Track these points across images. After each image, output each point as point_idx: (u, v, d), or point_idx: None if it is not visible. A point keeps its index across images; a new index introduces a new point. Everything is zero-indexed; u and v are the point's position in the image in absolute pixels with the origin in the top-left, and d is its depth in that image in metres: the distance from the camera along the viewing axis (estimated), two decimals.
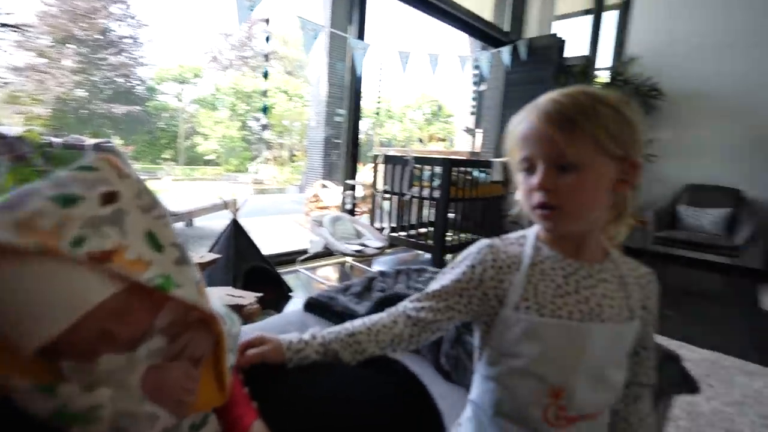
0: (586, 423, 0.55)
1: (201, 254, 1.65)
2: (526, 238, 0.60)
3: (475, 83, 4.35)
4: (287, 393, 0.52)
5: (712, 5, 3.82)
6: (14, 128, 1.93)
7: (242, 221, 2.31)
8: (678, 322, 2.45)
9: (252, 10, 1.93)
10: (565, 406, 0.53)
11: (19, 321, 0.34)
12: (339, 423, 0.49)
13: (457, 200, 3.26)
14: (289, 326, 1.10)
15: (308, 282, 2.75)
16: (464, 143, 5.66)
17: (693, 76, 3.91)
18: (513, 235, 0.62)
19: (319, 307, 1.22)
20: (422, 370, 0.98)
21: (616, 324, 0.55)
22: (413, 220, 3.52)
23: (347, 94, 3.27)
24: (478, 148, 5.03)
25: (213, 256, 1.65)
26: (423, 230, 3.54)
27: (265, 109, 2.35)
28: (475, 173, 3.42)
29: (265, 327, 1.07)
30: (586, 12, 5.59)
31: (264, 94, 2.38)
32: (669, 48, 4.03)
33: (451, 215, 3.31)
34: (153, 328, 0.42)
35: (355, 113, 3.27)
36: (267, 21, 2.21)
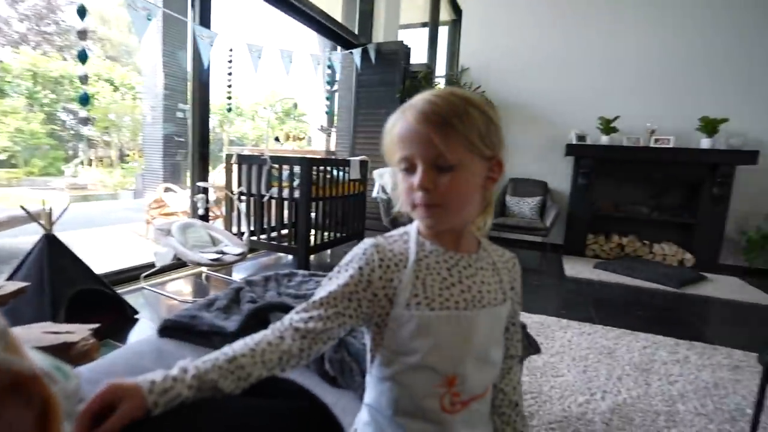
0: (477, 402, 0.59)
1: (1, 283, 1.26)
2: (409, 235, 0.62)
3: (328, 83, 4.38)
4: None
5: (524, 31, 4.61)
6: None
7: (61, 236, 1.87)
8: None
9: None
10: (458, 392, 0.56)
11: None
12: None
13: (318, 199, 3.24)
14: (143, 359, 0.93)
15: (157, 300, 2.40)
16: (320, 142, 5.67)
17: (511, 87, 4.67)
18: (395, 233, 0.63)
19: (180, 330, 1.06)
20: (306, 380, 0.94)
21: (494, 307, 0.60)
22: (273, 222, 3.38)
23: (192, 87, 2.94)
24: (333, 147, 5.09)
25: (18, 284, 1.28)
26: (284, 232, 3.43)
27: (84, 100, 1.93)
28: (334, 172, 3.46)
29: (111, 366, 0.88)
30: (424, 24, 6.18)
31: (83, 80, 1.96)
32: (492, 63, 4.73)
33: (312, 215, 3.28)
34: None
35: (202, 109, 2.96)
36: None
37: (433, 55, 6.11)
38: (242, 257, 2.64)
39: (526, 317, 2.42)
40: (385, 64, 4.39)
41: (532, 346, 1.24)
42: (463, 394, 0.57)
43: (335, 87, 4.80)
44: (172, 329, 1.06)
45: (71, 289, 1.73)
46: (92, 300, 1.88)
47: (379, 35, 4.71)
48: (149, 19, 1.90)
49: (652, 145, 4.07)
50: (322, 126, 4.82)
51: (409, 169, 0.56)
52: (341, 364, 0.91)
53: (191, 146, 3.03)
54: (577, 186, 4.31)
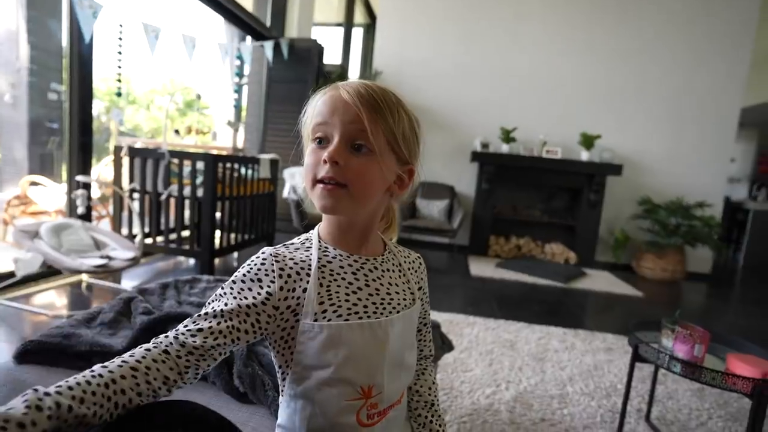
0: (393, 410, 0.57)
1: None
2: (311, 241, 0.58)
3: (236, 75, 4.12)
4: None
5: (435, 41, 4.82)
6: None
7: None
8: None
9: None
10: (376, 403, 0.54)
11: None
12: None
13: (224, 198, 3.02)
14: None
15: (18, 317, 2.01)
16: (226, 138, 5.31)
17: (422, 94, 4.85)
18: (296, 240, 0.59)
19: (47, 352, 0.88)
20: (210, 399, 0.84)
21: (405, 310, 0.59)
22: (172, 223, 3.06)
23: (69, 64, 2.53)
24: (241, 143, 4.81)
25: None
26: (185, 233, 3.12)
27: None
28: (242, 170, 3.25)
29: None
30: (339, 24, 6.15)
31: None
32: (404, 68, 4.86)
33: (218, 215, 3.04)
34: None
35: (82, 91, 2.57)
36: None
37: (347, 56, 6.11)
38: (134, 262, 2.34)
39: (437, 315, 2.51)
40: (298, 61, 4.27)
41: (446, 345, 1.28)
42: (381, 404, 0.55)
43: (244, 80, 4.53)
44: (35, 353, 0.87)
45: None
46: None
47: (292, 31, 4.56)
48: None
49: (543, 155, 4.53)
50: (229, 120, 4.51)
51: (321, 142, 0.53)
52: (252, 378, 0.83)
53: (68, 134, 2.61)
54: (481, 190, 4.63)
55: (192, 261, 3.28)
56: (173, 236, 3.03)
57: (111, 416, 0.41)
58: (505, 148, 4.56)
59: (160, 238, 3.02)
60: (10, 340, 1.75)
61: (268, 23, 4.39)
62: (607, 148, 4.55)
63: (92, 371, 0.42)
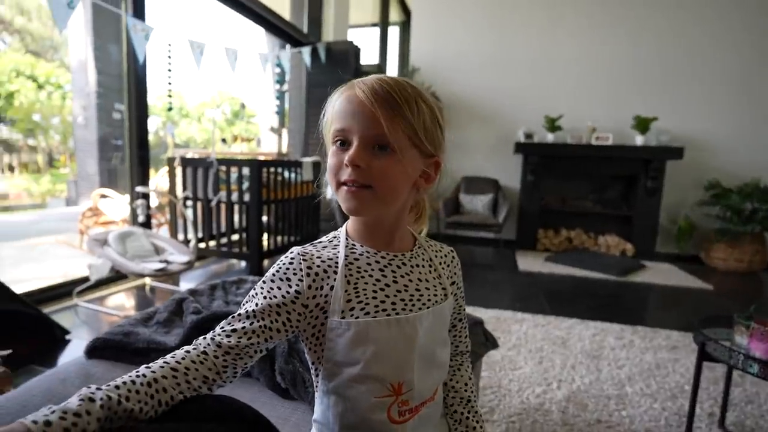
0: (426, 407, 0.56)
1: None
2: (338, 239, 0.58)
3: (277, 82, 4.25)
4: None
5: (472, 32, 4.71)
6: None
7: None
8: (469, 291, 2.95)
9: None
10: (407, 400, 0.53)
11: None
12: None
13: (270, 202, 3.13)
14: (66, 386, 0.83)
15: (94, 317, 2.20)
16: (270, 144, 5.51)
17: (461, 87, 4.76)
18: (325, 238, 0.60)
19: (112, 349, 0.96)
20: (255, 395, 0.87)
21: (436, 306, 0.57)
22: (223, 228, 3.22)
23: (128, 85, 2.73)
24: (284, 148, 4.96)
25: None
26: (235, 237, 3.27)
27: None
28: (286, 174, 3.35)
29: (27, 397, 0.77)
30: (374, 25, 6.18)
31: None
32: (442, 63, 4.80)
33: (264, 218, 3.16)
34: None
35: (140, 109, 2.76)
36: None
37: (384, 55, 6.13)
38: (189, 266, 2.48)
39: (482, 312, 2.46)
40: (336, 64, 4.33)
41: (490, 342, 1.24)
42: (412, 401, 0.54)
43: (285, 86, 4.67)
44: (102, 349, 0.96)
45: None
46: (10, 323, 1.68)
47: (328, 35, 4.64)
48: (71, 8, 1.72)
49: (593, 142, 4.29)
50: (272, 127, 4.67)
51: (343, 144, 0.52)
52: (293, 375, 0.85)
53: (128, 149, 2.82)
54: (527, 182, 4.47)
55: (243, 263, 3.44)
56: (224, 240, 3.18)
57: (156, 412, 0.44)
58: (550, 137, 4.37)
59: (212, 243, 3.18)
60: (88, 338, 1.91)
61: (305, 29, 4.50)
62: (665, 130, 4.22)
63: (137, 372, 0.45)
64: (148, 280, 2.74)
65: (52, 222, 5.57)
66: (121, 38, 2.77)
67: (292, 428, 0.78)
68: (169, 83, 2.67)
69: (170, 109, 2.71)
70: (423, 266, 0.59)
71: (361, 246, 0.57)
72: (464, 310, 0.69)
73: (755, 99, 4.13)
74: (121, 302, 2.46)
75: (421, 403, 0.55)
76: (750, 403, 1.60)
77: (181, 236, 3.13)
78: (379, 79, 0.53)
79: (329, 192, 0.63)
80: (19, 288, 1.87)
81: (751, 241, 3.85)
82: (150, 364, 0.47)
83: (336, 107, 0.54)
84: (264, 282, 0.54)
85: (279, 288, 0.53)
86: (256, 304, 0.52)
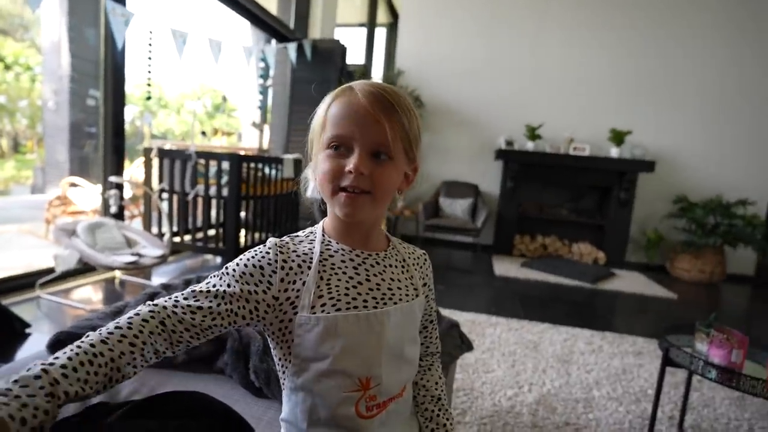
0: (394, 403, 0.57)
1: None
2: (315, 234, 0.59)
3: (261, 77, 4.20)
4: None
5: (457, 38, 4.77)
6: None
7: None
8: (446, 294, 2.98)
9: None
10: (374, 395, 0.54)
11: None
12: None
13: (249, 198, 3.08)
14: None
15: (58, 310, 2.11)
16: (251, 139, 5.43)
17: (445, 92, 4.81)
18: (302, 233, 0.60)
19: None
20: (227, 392, 0.86)
21: (405, 303, 0.58)
22: (199, 222, 3.15)
23: (104, 71, 2.65)
24: (266, 144, 4.89)
25: None
26: (211, 232, 3.21)
27: None
28: (266, 170, 3.31)
29: None
30: (362, 25, 6.17)
31: None
32: (427, 67, 4.83)
33: (242, 214, 3.11)
34: None
35: (116, 96, 2.68)
36: None
37: (370, 56, 6.13)
38: (163, 260, 2.42)
39: (458, 315, 2.48)
40: (321, 62, 4.31)
41: (465, 344, 1.26)
42: (380, 397, 0.55)
43: (269, 82, 4.61)
44: (66, 342, 0.91)
45: None
46: None
47: (315, 32, 4.61)
48: None
49: (570, 152, 4.41)
50: (254, 122, 4.61)
51: (340, 150, 0.53)
52: (267, 373, 0.84)
53: (103, 137, 2.73)
54: (506, 189, 4.55)
55: (219, 259, 3.37)
56: (200, 235, 3.11)
57: (100, 392, 0.42)
58: (530, 145, 4.46)
59: (187, 237, 3.11)
60: (50, 332, 1.84)
61: (291, 25, 4.46)
62: (638, 144, 4.38)
63: (93, 347, 0.42)
64: (118, 273, 2.66)
65: (16, 210, 5.32)
66: (99, 22, 2.68)
67: (266, 427, 0.77)
68: (149, 72, 2.60)
69: (149, 98, 2.64)
70: (395, 266, 0.61)
71: (337, 243, 0.57)
72: (435, 312, 0.71)
73: (725, 118, 4.33)
74: (88, 295, 2.37)
75: (389, 399, 0.56)
76: (707, 406, 1.68)
77: (155, 229, 3.05)
78: (377, 86, 0.54)
79: (309, 190, 0.63)
80: None
81: (713, 253, 4.03)
82: (106, 337, 0.43)
83: (334, 111, 0.53)
84: (237, 265, 0.53)
85: (252, 275, 0.52)
86: (229, 285, 0.51)
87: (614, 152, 4.30)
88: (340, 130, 0.52)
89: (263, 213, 3.29)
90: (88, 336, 0.43)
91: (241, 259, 0.54)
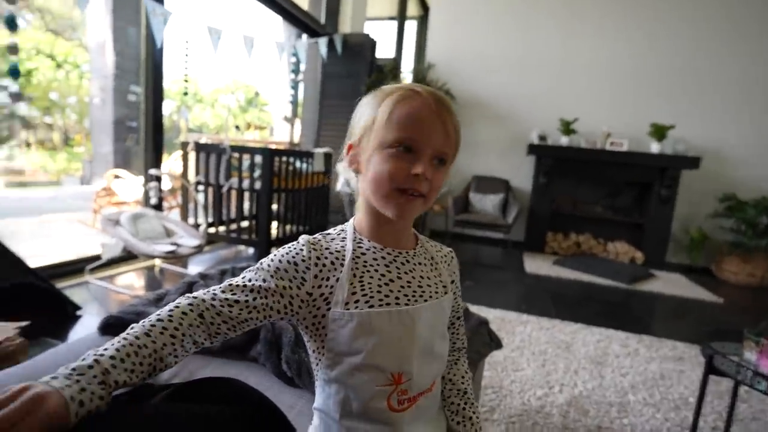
0: (424, 398, 0.58)
1: None
2: (346, 232, 0.60)
3: (292, 71, 4.26)
4: None
5: (489, 31, 4.67)
6: None
7: None
8: (475, 290, 2.95)
9: None
10: (406, 389, 0.55)
11: None
12: None
13: (280, 191, 3.14)
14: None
15: (104, 295, 2.23)
16: (283, 133, 5.52)
17: (476, 85, 4.72)
18: (333, 231, 0.62)
19: (123, 327, 0.97)
20: (260, 380, 0.88)
21: (435, 300, 0.59)
22: (233, 214, 3.25)
23: (145, 68, 2.75)
24: (297, 138, 4.97)
25: None
26: (245, 224, 3.30)
27: (14, 72, 1.74)
28: (298, 163, 3.36)
29: (41, 369, 0.79)
30: (392, 18, 6.14)
31: (13, 51, 1.77)
32: (458, 60, 4.76)
33: (274, 207, 3.18)
34: None
35: (155, 92, 2.78)
36: None
37: (400, 49, 6.09)
38: (199, 249, 2.51)
39: (487, 312, 2.45)
40: (352, 56, 4.32)
41: (494, 342, 1.24)
42: (411, 391, 0.56)
43: (300, 76, 4.67)
44: (115, 326, 0.97)
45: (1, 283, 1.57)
46: (26, 296, 1.71)
47: (345, 26, 4.62)
48: None
49: (607, 147, 4.24)
50: (285, 116, 4.69)
51: (406, 152, 0.53)
52: (299, 364, 0.86)
53: (144, 131, 2.85)
54: (538, 184, 4.43)
55: (251, 250, 3.46)
56: (234, 226, 3.21)
57: (146, 379, 0.46)
58: (564, 140, 4.32)
59: (222, 228, 3.21)
60: (99, 314, 1.95)
61: (322, 20, 4.49)
62: (681, 139, 4.16)
63: (138, 339, 0.45)
64: (157, 262, 2.78)
65: (67, 200, 5.65)
66: (140, 21, 2.79)
67: (297, 415, 0.79)
68: (186, 68, 2.69)
69: (186, 93, 2.73)
70: (424, 264, 0.62)
71: (369, 241, 0.59)
72: (461, 309, 0.71)
73: None
74: (131, 282, 2.50)
75: (420, 393, 0.57)
76: (755, 420, 1.59)
77: (191, 220, 3.17)
78: (437, 92, 0.56)
79: (339, 184, 0.65)
80: (33, 263, 1.90)
81: (765, 256, 3.79)
82: (149, 329, 0.46)
83: (402, 112, 0.53)
84: (272, 261, 0.55)
85: (286, 271, 0.54)
86: (264, 280, 0.53)
87: (655, 148, 4.10)
88: (411, 133, 0.53)
89: (294, 206, 3.35)
90: (132, 328, 0.47)
91: (275, 255, 0.56)
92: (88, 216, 3.86)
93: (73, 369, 0.41)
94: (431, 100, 0.54)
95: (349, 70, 4.35)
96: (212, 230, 3.15)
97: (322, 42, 3.95)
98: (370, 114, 0.56)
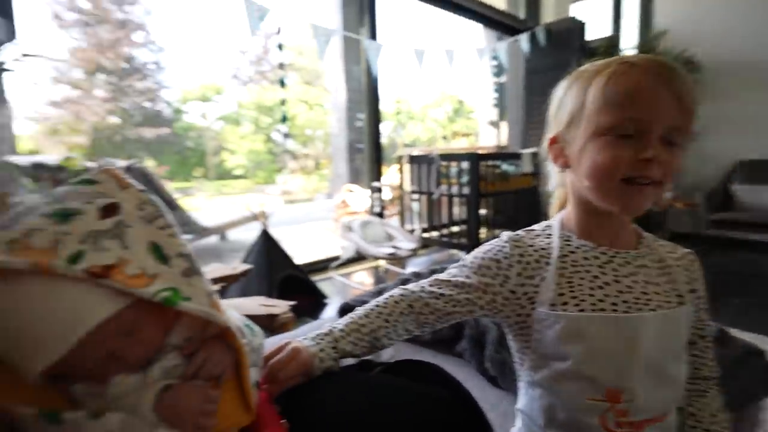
0: (653, 427, 0.49)
1: (233, 265, 1.66)
2: (552, 228, 0.55)
3: (495, 74, 4.23)
4: (317, 410, 0.47)
5: None
6: (54, 156, 2.03)
7: (273, 231, 2.32)
8: (745, 311, 2.26)
9: (262, 20, 1.94)
10: (626, 410, 0.47)
11: (18, 345, 0.33)
12: None
13: (488, 195, 3.16)
14: None
15: (343, 288, 2.73)
16: (489, 137, 5.53)
17: (731, 46, 3.65)
18: (538, 227, 0.58)
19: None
20: (465, 375, 0.92)
21: (667, 311, 0.49)
22: (444, 219, 3.45)
23: (365, 97, 3.25)
24: (504, 141, 4.88)
25: (245, 266, 1.65)
26: (455, 229, 3.45)
27: (284, 119, 2.35)
28: (504, 166, 3.31)
29: (299, 335, 1.04)
30: None
31: (282, 103, 2.38)
32: (700, 18, 3.78)
33: (483, 211, 3.21)
34: (166, 345, 0.39)
35: (374, 116, 3.24)
36: (278, 30, 2.22)
37: (617, 22, 5.25)
38: (414, 252, 2.79)
39: (763, 341, 1.84)
40: (557, 46, 3.98)
41: None
42: (632, 414, 0.47)
43: (503, 78, 4.60)
44: (349, 311, 1.19)
45: (279, 274, 2.13)
46: (294, 284, 2.26)
47: (548, 15, 4.30)
48: (326, 42, 2.21)
49: None
50: (490, 120, 4.69)
51: (627, 136, 0.46)
52: (502, 365, 0.86)
53: (367, 150, 3.35)
54: None
55: (462, 253, 3.60)
56: (445, 231, 3.40)
57: (367, 354, 0.56)
58: None
59: (435, 233, 3.45)
60: (338, 302, 2.40)
61: (522, 15, 4.31)
62: None
63: (360, 319, 0.56)
64: (381, 262, 3.20)
65: (318, 212, 7.16)
66: (359, 58, 3.30)
67: (500, 416, 0.79)
68: (398, 91, 3.03)
69: (398, 113, 3.08)
70: (651, 267, 0.52)
71: (578, 239, 0.53)
72: (710, 327, 0.57)
73: None
74: (362, 279, 2.97)
75: (646, 421, 0.49)
76: None
77: (408, 226, 3.53)
78: (658, 58, 0.47)
79: (552, 183, 0.61)
80: (298, 260, 2.50)
81: None
82: (368, 313, 0.57)
83: (613, 90, 0.46)
84: (474, 258, 0.57)
85: (489, 268, 0.54)
86: (467, 277, 0.55)
87: None
88: (633, 112, 0.46)
89: (503, 209, 3.31)
90: (357, 311, 0.58)
91: (478, 252, 0.57)
92: (332, 224, 4.79)
93: (317, 335, 0.54)
94: (653, 68, 0.45)
95: (554, 61, 4.02)
96: (426, 235, 3.43)
97: (523, 38, 3.80)
98: (576, 99, 0.50)
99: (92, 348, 0.34)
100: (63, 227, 0.33)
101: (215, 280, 1.39)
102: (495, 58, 3.90)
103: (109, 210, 0.36)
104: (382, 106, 3.31)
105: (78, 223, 0.34)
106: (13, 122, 1.86)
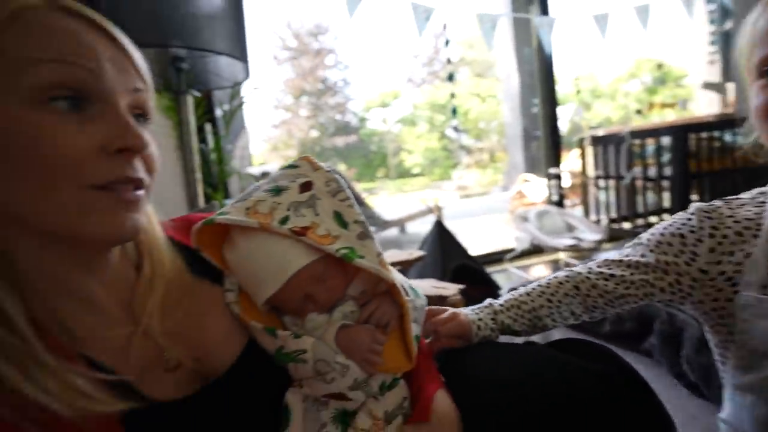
0: None
1: (410, 252, 1.82)
2: (767, 196, 0.45)
3: (712, 22, 3.36)
4: (472, 371, 0.50)
5: None
6: (274, 166, 2.61)
7: (447, 223, 2.42)
8: None
9: (428, 19, 2.03)
10: None
11: (249, 282, 0.47)
12: (531, 407, 0.44)
13: (701, 176, 2.56)
14: None
15: (519, 281, 2.65)
16: (706, 104, 4.44)
17: None
18: (746, 195, 0.48)
19: None
20: (654, 377, 0.80)
21: None
22: (639, 208, 2.95)
23: (538, 80, 3.05)
24: (730, 105, 3.85)
25: (419, 253, 1.79)
26: (653, 219, 2.91)
27: (454, 111, 2.42)
28: (727, 137, 2.62)
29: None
30: None
31: (452, 96, 2.45)
32: None
33: (694, 197, 2.63)
34: (346, 295, 0.49)
35: (550, 98, 3.01)
36: (444, 26, 2.30)
37: None
38: (599, 245, 2.49)
39: None
40: None
41: None
42: None
43: (728, 25, 3.63)
44: None
45: (452, 263, 2.21)
46: (467, 274, 2.31)
47: None
48: (492, 28, 2.16)
49: None
50: (706, 82, 3.78)
51: None
52: (706, 370, 0.72)
53: (543, 136, 3.14)
54: None
55: None
56: (641, 221, 2.92)
57: (529, 332, 0.56)
58: None
59: (627, 224, 2.99)
60: None
61: None
62: None
63: (521, 296, 0.58)
64: (562, 255, 2.96)
65: (493, 204, 7.05)
66: (530, 39, 3.10)
67: (702, 428, 0.67)
68: (576, 69, 2.74)
69: (578, 92, 2.79)
70: None
71: None
72: None
73: None
74: (540, 273, 2.81)
75: None
76: None
77: (593, 216, 3.16)
78: None
79: None
80: (472, 252, 2.54)
81: None
82: (530, 292, 0.57)
83: (760, 30, 0.42)
84: (652, 234, 0.51)
85: (670, 244, 0.48)
86: (642, 255, 0.50)
87: None
88: None
89: (724, 193, 2.64)
90: (517, 289, 0.59)
91: (657, 228, 0.52)
92: (506, 216, 4.65)
93: (477, 307, 0.59)
94: None
95: None
96: (616, 226, 3.01)
97: None
98: (744, 36, 0.45)
99: (294, 289, 0.45)
100: (276, 199, 0.46)
101: (392, 264, 1.55)
102: (712, 1, 3.12)
103: (306, 186, 0.47)
104: (559, 87, 3.05)
105: (286, 195, 0.46)
106: (249, 144, 2.47)
